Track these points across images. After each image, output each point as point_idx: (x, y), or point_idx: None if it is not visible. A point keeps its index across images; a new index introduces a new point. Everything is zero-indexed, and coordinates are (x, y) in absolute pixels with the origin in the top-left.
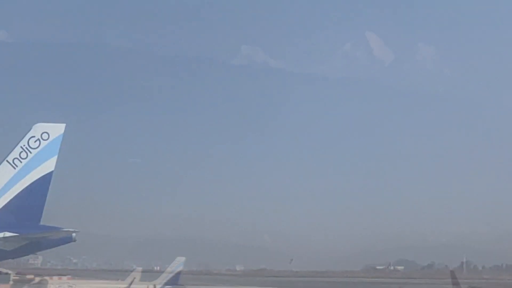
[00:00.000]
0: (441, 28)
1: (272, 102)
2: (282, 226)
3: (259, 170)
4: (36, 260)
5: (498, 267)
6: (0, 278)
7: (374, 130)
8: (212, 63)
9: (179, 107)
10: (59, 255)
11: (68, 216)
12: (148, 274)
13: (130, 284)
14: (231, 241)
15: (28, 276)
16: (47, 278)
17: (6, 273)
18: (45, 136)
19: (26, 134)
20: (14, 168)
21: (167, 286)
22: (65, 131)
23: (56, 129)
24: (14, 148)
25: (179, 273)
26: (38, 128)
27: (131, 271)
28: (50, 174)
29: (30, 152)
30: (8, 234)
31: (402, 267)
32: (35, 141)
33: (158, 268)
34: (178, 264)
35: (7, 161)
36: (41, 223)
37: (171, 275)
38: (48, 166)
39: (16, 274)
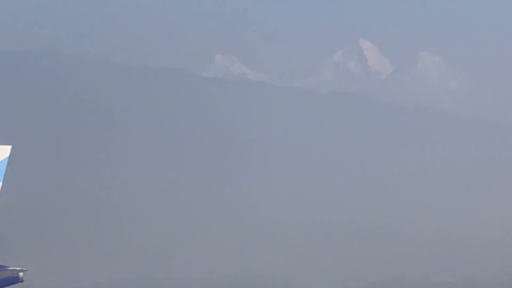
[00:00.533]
0: (447, 35)
1: (249, 120)
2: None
3: (237, 203)
4: None
5: None
6: None
7: (369, 152)
8: (182, 75)
9: (143, 124)
10: None
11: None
12: None
13: None
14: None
15: None
16: None
17: None
18: None
19: None
20: None
21: None
22: (11, 153)
23: (0, 152)
24: None
25: None
26: None
27: None
28: None
29: None
30: None
31: None
32: None
33: None
34: None
35: None
36: None
37: None
38: None
39: None
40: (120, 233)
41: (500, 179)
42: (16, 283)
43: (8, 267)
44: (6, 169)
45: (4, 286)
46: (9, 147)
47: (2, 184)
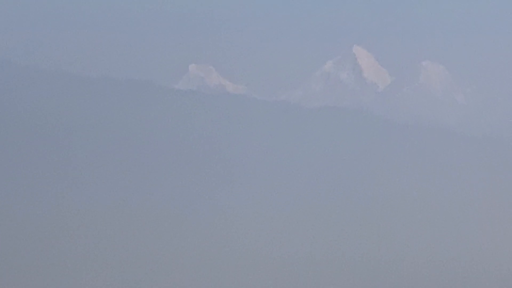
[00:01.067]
0: (454, 41)
1: (228, 138)
2: None
3: (214, 235)
4: None
5: None
6: None
7: (364, 176)
8: (150, 87)
9: (104, 143)
10: None
11: None
12: None
13: None
14: None
15: None
16: None
17: None
18: None
19: None
20: None
21: None
22: None
23: None
24: None
25: None
26: None
27: None
28: None
29: None
30: None
31: None
32: None
33: None
34: None
35: None
36: None
37: None
38: None
39: None
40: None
41: None
42: None
43: None
44: None
45: None
46: None
47: None
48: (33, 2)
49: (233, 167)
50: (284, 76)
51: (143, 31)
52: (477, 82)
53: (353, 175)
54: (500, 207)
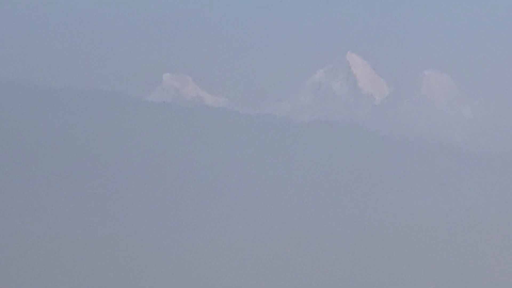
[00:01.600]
0: (459, 48)
1: (207, 157)
2: None
3: (192, 263)
4: None
5: None
6: None
7: (360, 198)
8: (119, 99)
9: (67, 161)
10: None
11: None
12: None
13: None
14: None
15: None
16: None
17: None
18: None
19: None
20: None
21: None
22: None
23: None
24: None
25: None
26: None
27: None
28: None
29: None
30: None
31: None
32: None
33: None
34: None
35: None
36: None
37: None
38: None
39: None
40: None
41: None
42: None
43: None
44: None
45: None
46: None
47: None
48: None
49: (211, 189)
50: (269, 87)
51: (110, 37)
52: (486, 93)
53: (347, 198)
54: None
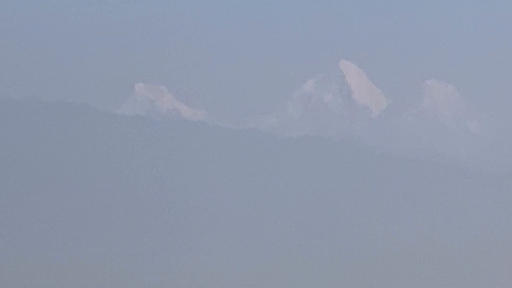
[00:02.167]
0: (465, 56)
1: (184, 175)
2: None
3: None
4: None
5: None
6: None
7: (355, 220)
8: (87, 112)
9: (28, 179)
10: None
11: None
12: None
13: None
14: None
15: None
16: None
17: None
18: None
19: None
20: None
21: None
22: None
23: None
24: None
25: None
26: None
27: None
28: None
29: None
30: None
31: None
32: None
33: None
34: None
35: None
36: None
37: None
38: None
39: None
40: None
41: None
42: None
43: None
44: None
45: None
46: None
47: None
48: None
49: (188, 213)
50: (253, 99)
51: (75, 43)
52: (496, 106)
53: (340, 223)
54: None
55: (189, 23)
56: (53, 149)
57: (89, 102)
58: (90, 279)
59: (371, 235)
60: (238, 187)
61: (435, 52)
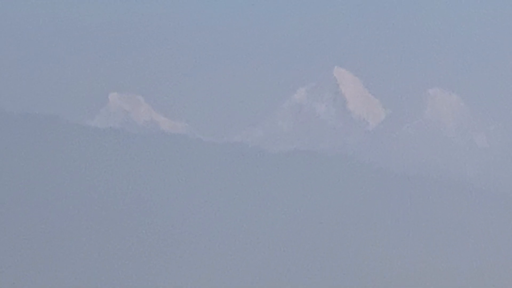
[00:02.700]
0: (470, 63)
1: (162, 192)
2: None
3: None
4: None
5: None
6: None
7: (350, 241)
8: (56, 124)
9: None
10: None
11: None
12: None
13: None
14: None
15: None
16: None
17: None
18: None
19: None
20: None
21: None
22: None
23: None
24: None
25: None
26: None
27: None
28: None
29: None
30: None
31: None
32: None
33: None
34: None
35: None
36: None
37: None
38: None
39: None
40: None
41: None
42: None
43: None
44: None
45: None
46: None
47: None
48: None
49: (167, 231)
50: (239, 110)
51: (44, 50)
52: (504, 117)
53: (335, 243)
54: None
55: (169, 26)
56: (17, 165)
57: (58, 113)
58: None
59: (368, 259)
60: (222, 206)
61: (437, 58)
